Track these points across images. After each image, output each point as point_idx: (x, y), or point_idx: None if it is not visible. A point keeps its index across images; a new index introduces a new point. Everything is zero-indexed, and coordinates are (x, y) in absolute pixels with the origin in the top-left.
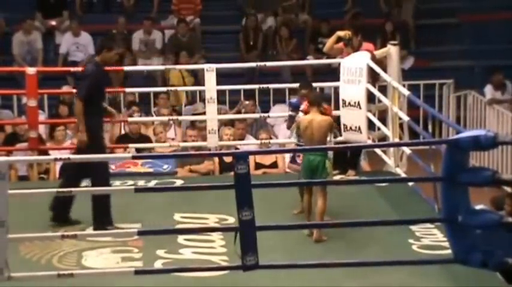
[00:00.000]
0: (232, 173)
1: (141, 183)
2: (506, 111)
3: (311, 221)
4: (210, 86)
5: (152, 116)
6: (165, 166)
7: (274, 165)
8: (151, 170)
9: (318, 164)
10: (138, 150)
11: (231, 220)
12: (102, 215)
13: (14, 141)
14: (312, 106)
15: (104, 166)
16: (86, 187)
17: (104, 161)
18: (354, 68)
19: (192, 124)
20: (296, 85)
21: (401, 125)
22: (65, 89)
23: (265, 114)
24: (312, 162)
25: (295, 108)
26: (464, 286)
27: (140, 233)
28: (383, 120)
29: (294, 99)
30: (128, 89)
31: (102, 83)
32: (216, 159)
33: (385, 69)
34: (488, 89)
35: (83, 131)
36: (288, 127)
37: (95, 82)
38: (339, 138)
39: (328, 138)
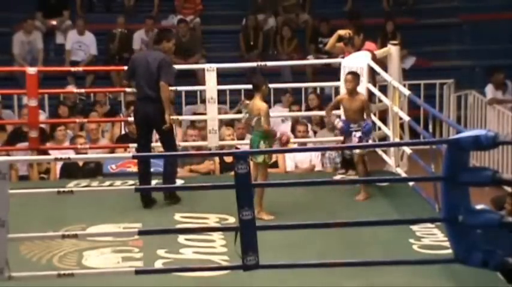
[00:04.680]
0: (232, 173)
1: None
2: (507, 111)
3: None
4: (211, 86)
5: None
6: None
7: (274, 165)
8: (151, 170)
9: (253, 144)
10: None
11: (232, 220)
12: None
13: (17, 139)
14: (255, 91)
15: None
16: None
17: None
18: (355, 68)
19: (193, 124)
20: (297, 85)
21: (401, 125)
22: (67, 89)
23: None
24: (251, 141)
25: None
26: (464, 286)
27: (140, 233)
28: (383, 120)
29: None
30: (128, 89)
31: None
32: (217, 159)
33: (386, 69)
34: (489, 89)
35: (172, 114)
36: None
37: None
38: (340, 138)
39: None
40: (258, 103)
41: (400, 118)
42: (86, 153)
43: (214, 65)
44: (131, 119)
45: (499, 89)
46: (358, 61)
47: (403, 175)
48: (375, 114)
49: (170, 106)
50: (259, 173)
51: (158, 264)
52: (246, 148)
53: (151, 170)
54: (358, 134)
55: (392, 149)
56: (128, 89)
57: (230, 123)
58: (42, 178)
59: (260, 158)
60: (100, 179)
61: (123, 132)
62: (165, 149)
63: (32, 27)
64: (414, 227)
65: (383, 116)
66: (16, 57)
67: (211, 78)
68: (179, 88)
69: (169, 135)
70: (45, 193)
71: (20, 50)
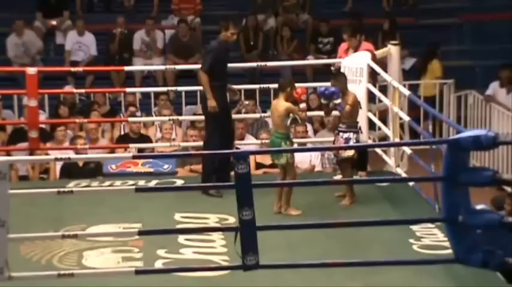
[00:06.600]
0: (232, 173)
1: (141, 183)
2: (507, 111)
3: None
4: None
5: (152, 116)
6: (166, 166)
7: (274, 165)
8: (151, 170)
9: (273, 146)
10: (138, 150)
11: (232, 220)
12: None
13: (18, 139)
14: (280, 91)
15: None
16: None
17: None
18: (355, 67)
19: (193, 124)
20: (297, 85)
21: (401, 125)
22: (67, 89)
23: (266, 114)
24: (272, 143)
25: (328, 97)
26: (464, 286)
27: (140, 233)
28: (383, 120)
29: (324, 89)
30: (128, 89)
31: (222, 59)
32: None
33: (385, 70)
34: (492, 86)
35: (210, 98)
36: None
37: (216, 57)
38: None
39: (284, 123)
40: (281, 103)
41: (400, 118)
42: (86, 153)
43: None
44: (131, 119)
45: (504, 87)
46: (358, 61)
47: (403, 175)
48: (375, 115)
49: (210, 92)
50: (287, 174)
51: (158, 264)
52: (246, 148)
53: (152, 170)
54: (346, 135)
55: (392, 149)
56: (127, 89)
57: None
58: (42, 178)
59: (283, 159)
60: (100, 179)
61: (122, 132)
62: (205, 140)
63: (22, 27)
64: (414, 227)
65: (383, 116)
66: (12, 60)
67: None
68: (179, 88)
69: (213, 123)
70: (45, 193)
71: (16, 52)
